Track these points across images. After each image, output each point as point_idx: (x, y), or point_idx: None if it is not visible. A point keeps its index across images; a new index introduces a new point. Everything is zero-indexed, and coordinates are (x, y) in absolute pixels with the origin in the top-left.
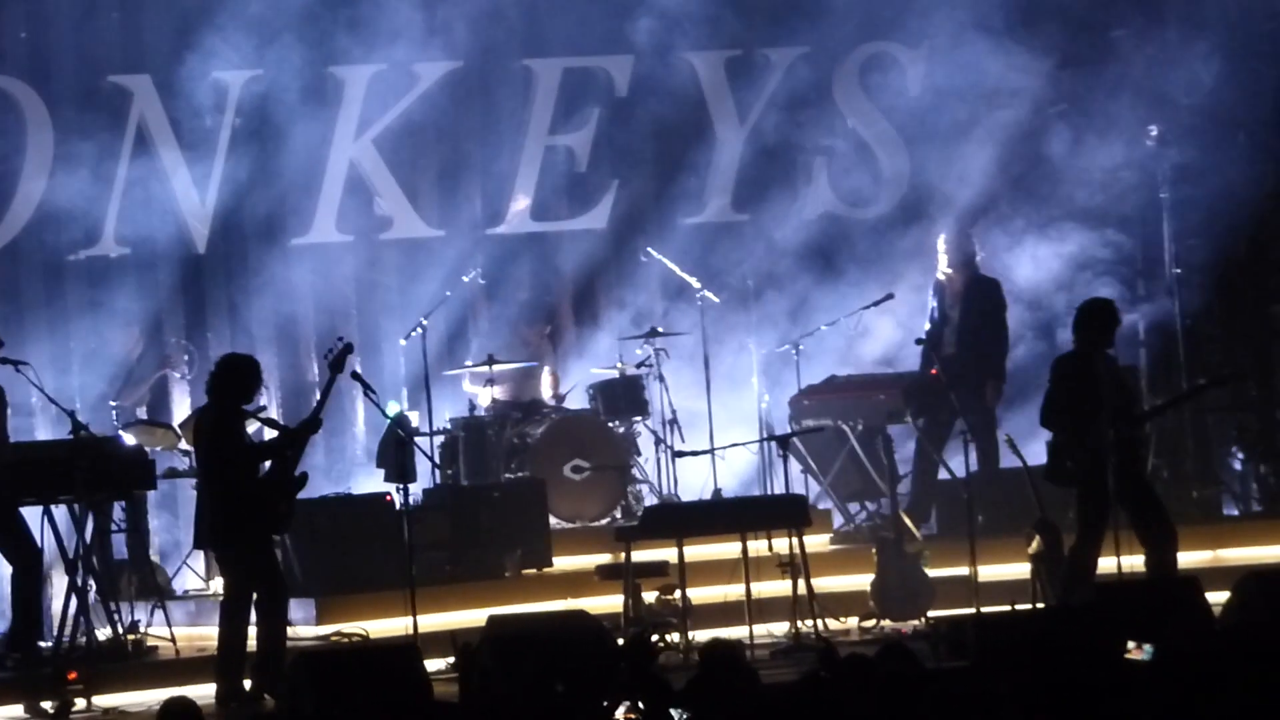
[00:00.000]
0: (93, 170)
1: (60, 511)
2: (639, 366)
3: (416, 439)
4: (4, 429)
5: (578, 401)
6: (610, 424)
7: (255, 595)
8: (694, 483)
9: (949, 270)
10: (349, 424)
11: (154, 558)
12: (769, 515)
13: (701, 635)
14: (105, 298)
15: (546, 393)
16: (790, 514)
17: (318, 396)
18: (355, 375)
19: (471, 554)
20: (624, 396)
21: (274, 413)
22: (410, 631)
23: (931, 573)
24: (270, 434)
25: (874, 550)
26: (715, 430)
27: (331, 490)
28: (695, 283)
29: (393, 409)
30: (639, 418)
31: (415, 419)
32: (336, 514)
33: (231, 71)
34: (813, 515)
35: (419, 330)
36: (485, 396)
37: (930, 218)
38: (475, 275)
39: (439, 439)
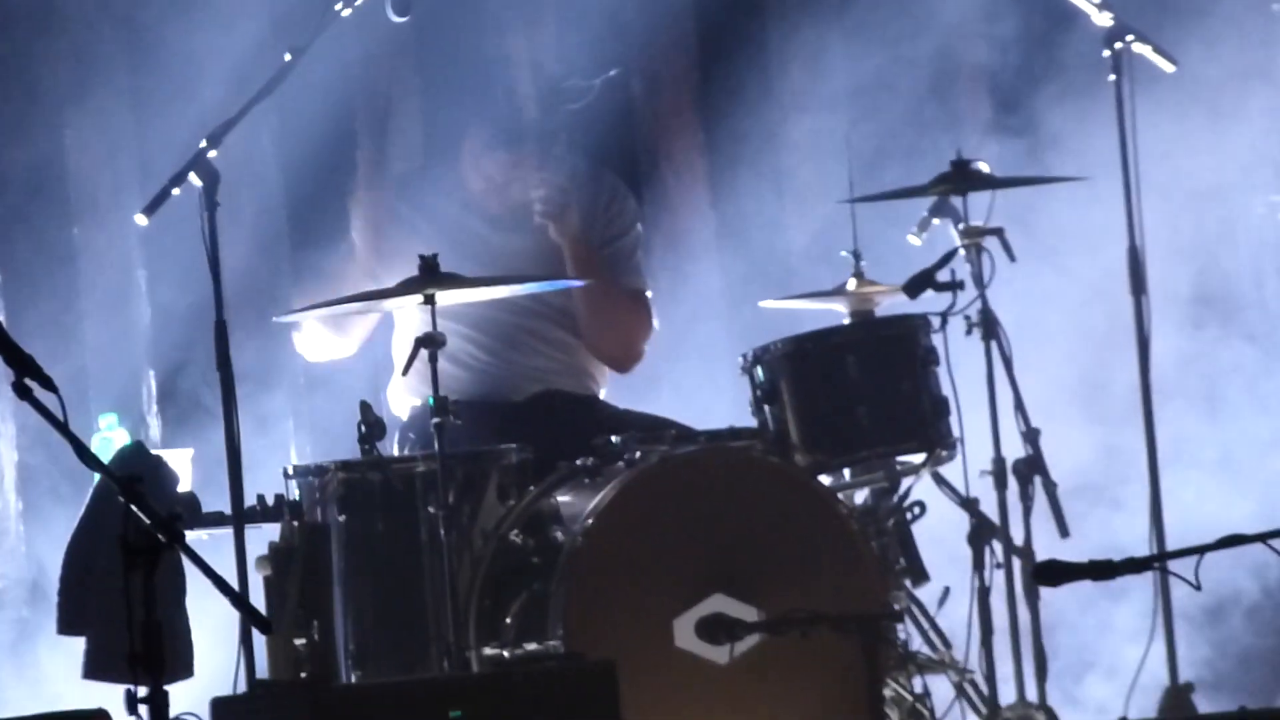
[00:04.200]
0: None
1: None
2: (921, 288)
3: (198, 533)
4: None
5: (715, 411)
6: (824, 476)
7: None
8: (1117, 659)
9: None
10: None
11: None
12: None
13: None
14: None
15: (602, 381)
16: None
17: None
18: None
19: None
20: (869, 387)
21: None
22: None
23: None
24: None
25: None
26: (1172, 489)
27: None
28: (1099, 14)
29: (111, 440)
30: (922, 455)
31: (185, 472)
32: None
33: None
34: None
35: (180, 189)
36: (401, 399)
37: None
38: None
39: (265, 535)
